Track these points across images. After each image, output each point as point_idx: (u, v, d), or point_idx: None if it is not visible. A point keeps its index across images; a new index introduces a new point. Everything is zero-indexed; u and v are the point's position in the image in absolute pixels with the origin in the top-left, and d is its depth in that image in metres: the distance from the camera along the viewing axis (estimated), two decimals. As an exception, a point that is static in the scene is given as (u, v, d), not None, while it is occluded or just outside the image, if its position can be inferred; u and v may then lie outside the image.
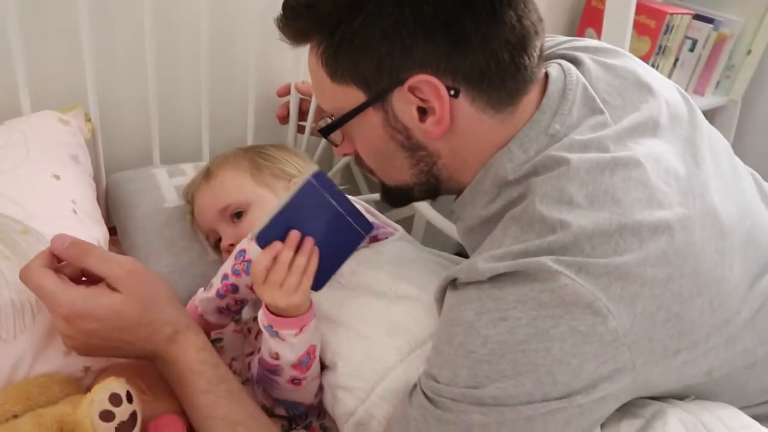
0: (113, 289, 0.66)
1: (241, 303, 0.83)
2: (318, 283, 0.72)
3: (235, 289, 0.81)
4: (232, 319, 0.89)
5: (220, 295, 0.81)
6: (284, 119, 1.19)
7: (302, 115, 1.19)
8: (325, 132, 0.70)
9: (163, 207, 0.99)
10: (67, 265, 0.68)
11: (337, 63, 0.64)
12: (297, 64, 1.15)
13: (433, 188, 0.74)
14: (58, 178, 0.83)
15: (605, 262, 0.57)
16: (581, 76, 0.70)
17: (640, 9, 1.53)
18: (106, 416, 0.60)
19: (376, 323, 0.76)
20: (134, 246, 0.96)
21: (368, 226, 0.73)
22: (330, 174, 1.26)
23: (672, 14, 1.54)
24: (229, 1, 1.07)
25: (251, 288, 0.75)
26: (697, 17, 1.63)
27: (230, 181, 0.91)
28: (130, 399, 0.62)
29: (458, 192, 0.74)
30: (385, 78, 0.63)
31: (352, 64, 0.64)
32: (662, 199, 0.61)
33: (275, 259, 0.69)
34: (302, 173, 0.68)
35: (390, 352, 0.74)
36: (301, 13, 0.64)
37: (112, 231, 1.02)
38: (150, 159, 1.10)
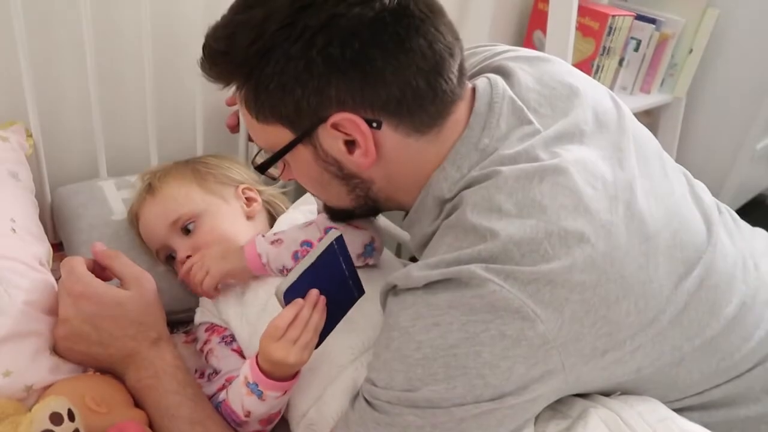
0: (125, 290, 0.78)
1: None
2: (318, 341, 0.72)
3: None
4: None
5: (296, 258, 0.81)
6: (234, 128, 1.19)
7: (252, 124, 1.19)
8: (261, 169, 0.72)
9: (110, 219, 0.98)
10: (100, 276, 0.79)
11: (259, 106, 0.66)
12: (244, 73, 1.15)
13: (372, 209, 0.78)
14: (-5, 195, 0.82)
15: (533, 269, 0.59)
16: (507, 88, 0.71)
17: (583, 11, 1.57)
18: (47, 435, 0.59)
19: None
20: (80, 259, 0.95)
21: (362, 291, 0.76)
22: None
23: (614, 16, 1.59)
24: (172, 9, 1.07)
25: None
26: (639, 18, 1.68)
27: (177, 191, 0.90)
28: (71, 417, 0.61)
29: (400, 208, 0.77)
30: (306, 118, 0.65)
31: (272, 107, 0.65)
32: (589, 204, 0.63)
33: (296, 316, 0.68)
34: (325, 237, 0.71)
35: (344, 351, 0.76)
36: (217, 59, 0.66)
37: (60, 247, 1.00)
38: (97, 172, 1.09)
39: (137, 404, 0.75)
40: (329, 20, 0.60)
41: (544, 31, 1.54)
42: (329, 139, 0.66)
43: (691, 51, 1.77)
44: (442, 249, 0.64)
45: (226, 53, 0.65)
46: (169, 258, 0.92)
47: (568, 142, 0.68)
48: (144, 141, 1.12)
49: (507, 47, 0.84)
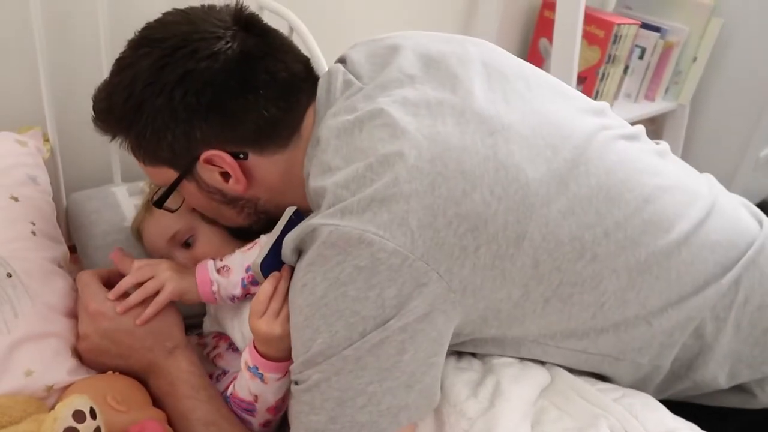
0: None
1: (251, 295, 0.82)
2: None
3: (257, 282, 0.81)
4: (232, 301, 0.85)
5: (243, 286, 0.81)
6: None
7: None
8: (157, 205, 0.79)
9: (122, 226, 0.99)
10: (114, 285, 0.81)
11: (142, 152, 0.74)
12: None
13: (267, 221, 0.82)
14: (16, 199, 0.84)
15: (360, 196, 0.63)
16: (341, 68, 0.79)
17: (589, 19, 1.59)
18: (70, 433, 0.60)
19: None
20: (93, 265, 0.96)
21: None
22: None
23: (619, 24, 1.61)
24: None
25: None
26: (644, 26, 1.70)
27: None
28: (93, 415, 0.62)
29: None
30: (181, 158, 0.73)
31: (152, 152, 0.74)
32: (406, 127, 0.67)
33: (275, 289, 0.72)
34: (285, 214, 0.77)
35: None
36: (102, 117, 0.74)
37: (73, 249, 1.02)
38: (111, 177, 1.11)
39: (157, 404, 0.76)
40: (183, 75, 0.68)
41: (550, 39, 1.56)
42: (207, 172, 0.75)
43: (695, 59, 1.79)
44: None
45: (108, 111, 0.73)
46: None
47: (396, 87, 0.73)
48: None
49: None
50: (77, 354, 0.78)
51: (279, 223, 0.75)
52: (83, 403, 0.62)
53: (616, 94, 1.74)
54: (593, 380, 0.77)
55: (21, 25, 0.94)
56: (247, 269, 0.80)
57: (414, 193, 0.62)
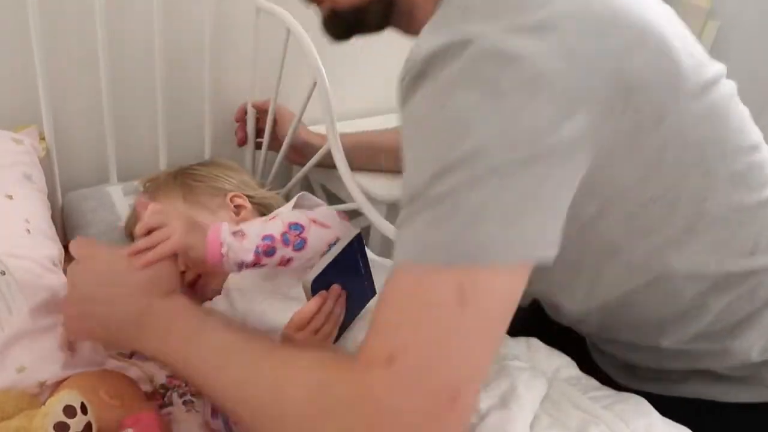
0: None
1: (261, 266, 0.80)
2: (336, 337, 0.76)
3: (271, 252, 0.79)
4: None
5: (256, 252, 0.77)
6: (243, 142, 1.22)
7: (259, 132, 1.21)
8: None
9: (118, 225, 1.00)
10: None
11: None
12: (252, 82, 1.17)
13: (385, 11, 0.72)
14: (11, 197, 0.84)
15: (524, 20, 0.57)
16: None
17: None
18: (61, 428, 0.60)
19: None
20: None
21: (374, 292, 0.81)
22: (289, 185, 1.28)
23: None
24: (182, 17, 1.09)
25: (284, 262, 0.79)
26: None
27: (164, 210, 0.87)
28: (84, 410, 0.63)
29: (408, 31, 0.73)
30: None
31: None
32: None
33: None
34: (347, 234, 0.76)
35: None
36: None
37: (68, 248, 1.02)
38: (107, 177, 1.11)
39: (150, 397, 0.77)
40: None
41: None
42: None
43: (691, 62, 1.79)
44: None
45: None
46: None
47: None
48: (153, 146, 1.14)
49: None
50: (66, 329, 0.74)
51: (338, 244, 0.75)
52: (74, 398, 0.62)
53: (613, 97, 1.75)
54: (586, 387, 0.78)
55: (18, 24, 0.94)
56: (264, 238, 0.78)
57: (583, 33, 0.57)
